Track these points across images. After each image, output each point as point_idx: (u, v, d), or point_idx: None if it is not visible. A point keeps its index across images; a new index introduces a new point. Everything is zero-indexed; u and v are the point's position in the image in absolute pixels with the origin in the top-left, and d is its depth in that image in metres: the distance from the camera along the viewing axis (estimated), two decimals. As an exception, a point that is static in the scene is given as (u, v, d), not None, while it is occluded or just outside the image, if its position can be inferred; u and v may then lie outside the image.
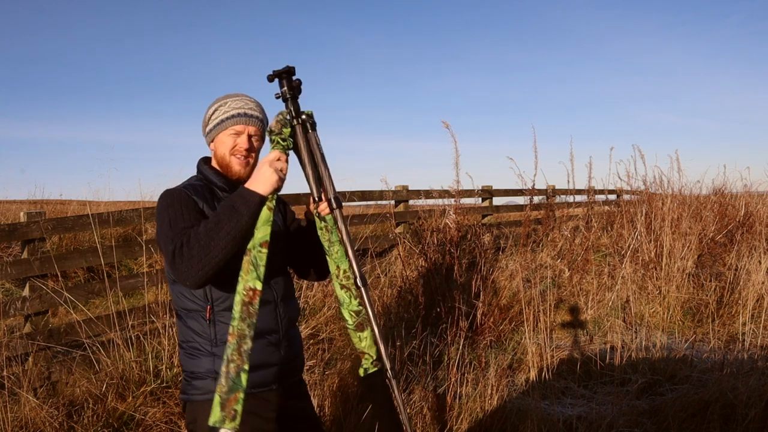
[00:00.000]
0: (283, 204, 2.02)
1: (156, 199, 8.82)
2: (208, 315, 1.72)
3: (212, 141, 1.85)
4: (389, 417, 1.80)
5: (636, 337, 4.68)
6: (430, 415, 3.38)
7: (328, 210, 1.79)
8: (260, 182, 1.64)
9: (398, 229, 7.05)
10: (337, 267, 1.81)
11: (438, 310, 4.84)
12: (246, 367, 1.49)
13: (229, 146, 1.81)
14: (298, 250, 1.96)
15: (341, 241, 1.79)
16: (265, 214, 1.62)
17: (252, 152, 1.83)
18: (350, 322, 1.81)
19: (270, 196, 1.64)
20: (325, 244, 1.80)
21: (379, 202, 7.57)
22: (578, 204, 8.57)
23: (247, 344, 1.50)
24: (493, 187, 8.70)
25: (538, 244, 7.52)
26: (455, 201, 5.88)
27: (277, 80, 1.78)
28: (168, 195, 1.74)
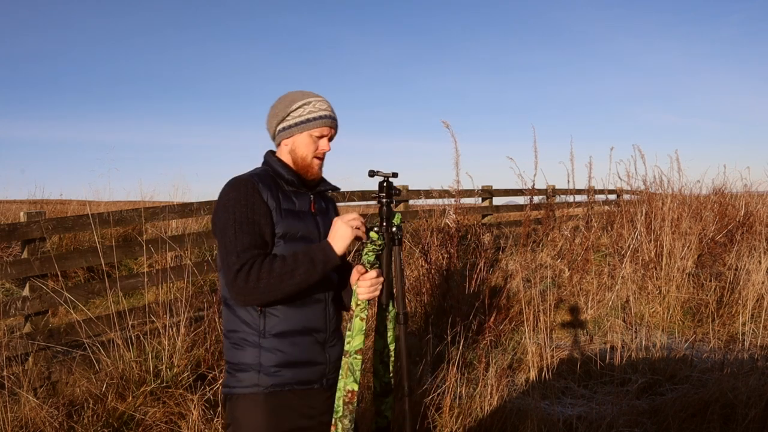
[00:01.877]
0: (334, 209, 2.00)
1: (156, 198, 8.76)
2: (260, 306, 1.71)
3: (289, 137, 1.82)
4: None
5: (636, 337, 4.68)
6: (430, 415, 3.38)
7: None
8: (339, 242, 1.68)
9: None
10: (383, 348, 1.89)
11: (438, 310, 4.84)
12: None
13: (312, 148, 1.80)
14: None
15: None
16: (358, 324, 1.71)
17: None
18: (378, 389, 1.91)
19: (362, 304, 1.70)
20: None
21: (379, 202, 7.55)
22: (578, 204, 8.57)
23: None
24: (493, 187, 8.71)
25: (538, 243, 7.52)
26: (455, 201, 5.88)
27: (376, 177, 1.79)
28: (236, 186, 1.70)
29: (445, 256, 5.35)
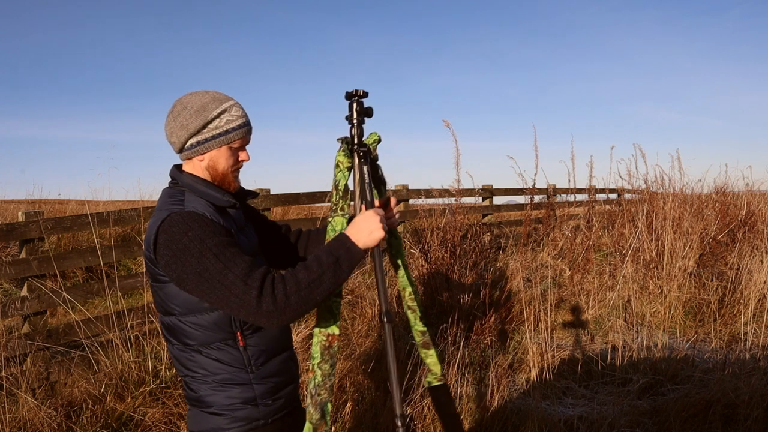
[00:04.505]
0: (252, 213, 1.86)
1: (155, 198, 8.78)
2: (240, 341, 1.59)
3: (205, 152, 1.61)
4: (452, 425, 1.86)
5: (637, 337, 4.66)
6: (430, 416, 3.37)
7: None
8: (366, 237, 1.53)
9: (398, 229, 7.03)
10: (404, 289, 1.85)
11: (438, 309, 4.83)
12: (331, 401, 1.59)
13: (232, 161, 1.63)
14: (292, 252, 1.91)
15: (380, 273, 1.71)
16: None
17: None
18: (417, 340, 1.86)
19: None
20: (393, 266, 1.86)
21: (379, 201, 7.55)
22: (579, 203, 8.55)
23: (331, 381, 1.59)
24: (494, 186, 8.69)
25: (538, 243, 7.51)
26: (456, 200, 5.86)
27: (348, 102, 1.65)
28: (184, 225, 1.47)
29: (445, 255, 5.33)
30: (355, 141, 1.64)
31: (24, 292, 4.10)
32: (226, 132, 1.59)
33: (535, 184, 7.09)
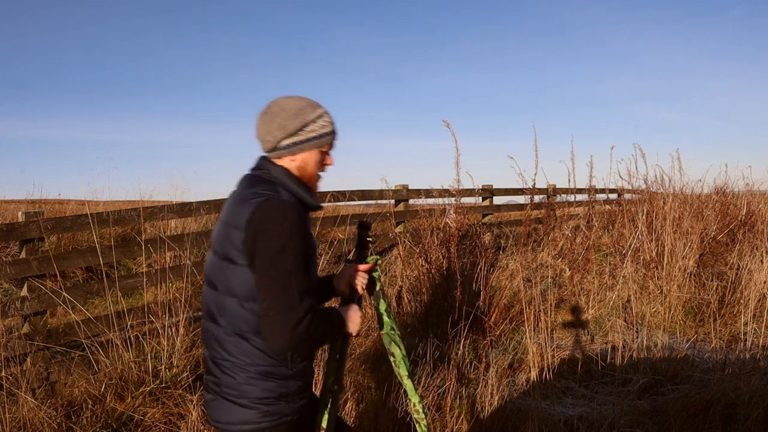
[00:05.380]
0: None
1: (155, 198, 8.73)
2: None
3: (299, 153, 1.69)
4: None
5: (637, 337, 4.66)
6: (430, 416, 3.37)
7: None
8: (352, 324, 1.82)
9: (398, 229, 7.03)
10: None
11: (438, 310, 4.83)
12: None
13: (320, 165, 1.74)
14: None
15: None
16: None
17: None
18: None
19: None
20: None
21: (378, 201, 7.57)
22: (579, 203, 8.55)
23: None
24: (494, 186, 8.68)
25: (538, 243, 7.50)
26: (455, 200, 5.86)
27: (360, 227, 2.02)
28: (288, 214, 1.56)
29: (445, 255, 5.33)
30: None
31: (24, 292, 4.10)
32: (321, 136, 1.69)
33: (535, 184, 7.10)
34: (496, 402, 3.49)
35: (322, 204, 1.92)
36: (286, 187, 1.66)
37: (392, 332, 1.95)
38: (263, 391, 1.62)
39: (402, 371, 1.94)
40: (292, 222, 1.54)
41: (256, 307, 1.58)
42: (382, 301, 1.98)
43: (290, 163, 1.70)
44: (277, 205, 1.56)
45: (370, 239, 2.03)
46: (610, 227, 7.90)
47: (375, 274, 1.99)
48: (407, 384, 1.94)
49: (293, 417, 1.68)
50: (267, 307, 1.53)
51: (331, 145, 1.75)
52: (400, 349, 1.94)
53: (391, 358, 1.94)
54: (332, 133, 1.73)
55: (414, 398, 1.94)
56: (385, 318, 1.96)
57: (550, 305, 4.88)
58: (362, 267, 1.95)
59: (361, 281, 1.92)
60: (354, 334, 1.83)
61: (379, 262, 2.09)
